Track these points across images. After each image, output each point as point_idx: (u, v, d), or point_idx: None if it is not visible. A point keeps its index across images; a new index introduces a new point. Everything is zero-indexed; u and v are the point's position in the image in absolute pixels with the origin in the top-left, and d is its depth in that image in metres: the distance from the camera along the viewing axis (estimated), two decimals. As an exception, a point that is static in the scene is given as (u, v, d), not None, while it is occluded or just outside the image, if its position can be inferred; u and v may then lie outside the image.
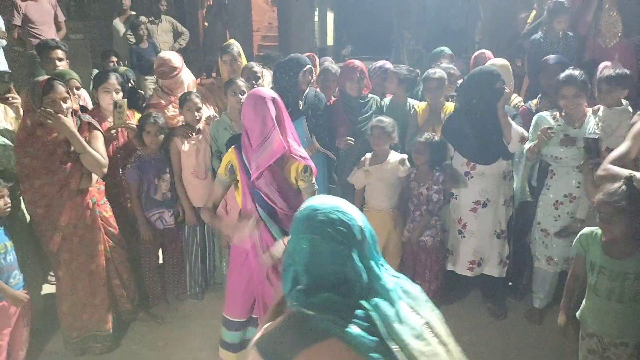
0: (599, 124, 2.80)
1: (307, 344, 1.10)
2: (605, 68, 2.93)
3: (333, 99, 3.62)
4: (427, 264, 3.15)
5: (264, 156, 2.12)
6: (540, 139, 2.78)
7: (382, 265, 1.25)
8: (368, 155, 3.23)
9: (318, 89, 3.53)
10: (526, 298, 3.23)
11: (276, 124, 2.16)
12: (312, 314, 1.13)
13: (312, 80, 3.34)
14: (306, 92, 3.32)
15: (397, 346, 1.12)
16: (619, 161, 2.15)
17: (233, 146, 2.23)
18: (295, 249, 1.22)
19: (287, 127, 2.26)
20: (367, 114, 3.42)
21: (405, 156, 3.19)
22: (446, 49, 4.12)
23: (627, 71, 2.89)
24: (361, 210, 3.35)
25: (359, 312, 1.14)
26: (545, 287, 3.04)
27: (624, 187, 1.91)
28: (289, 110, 3.22)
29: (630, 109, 2.82)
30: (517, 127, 2.89)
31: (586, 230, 2.14)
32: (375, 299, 1.17)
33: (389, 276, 1.25)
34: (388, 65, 3.83)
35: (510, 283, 3.36)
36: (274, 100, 2.20)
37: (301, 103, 3.29)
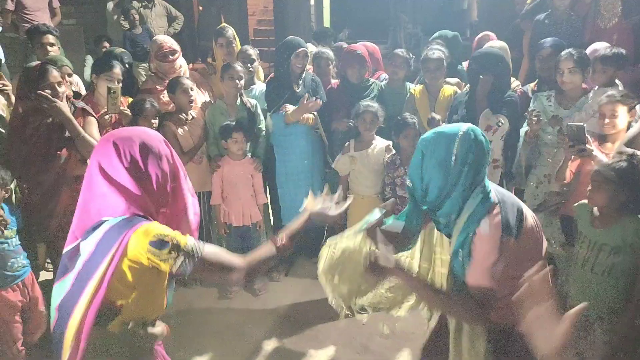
0: (587, 103, 2.79)
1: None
2: (598, 46, 2.92)
3: (333, 81, 3.58)
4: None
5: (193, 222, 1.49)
6: (530, 123, 2.79)
7: None
8: (352, 141, 3.20)
9: (313, 73, 3.50)
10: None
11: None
12: None
13: (306, 63, 3.29)
14: (304, 76, 3.29)
15: None
16: (632, 142, 2.17)
17: (141, 221, 1.31)
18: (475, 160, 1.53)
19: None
20: (368, 98, 3.39)
21: (390, 142, 3.17)
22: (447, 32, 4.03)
23: (623, 51, 2.87)
24: (345, 197, 3.36)
25: None
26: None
27: (622, 162, 1.99)
28: (287, 94, 3.24)
29: (621, 89, 2.78)
30: (488, 116, 2.85)
31: (582, 201, 2.22)
32: None
33: None
34: (360, 50, 3.67)
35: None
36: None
37: (300, 87, 3.25)
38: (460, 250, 1.56)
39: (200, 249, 1.33)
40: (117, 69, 2.95)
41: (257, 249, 1.47)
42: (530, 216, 1.60)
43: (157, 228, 1.29)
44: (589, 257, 2.08)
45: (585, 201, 2.18)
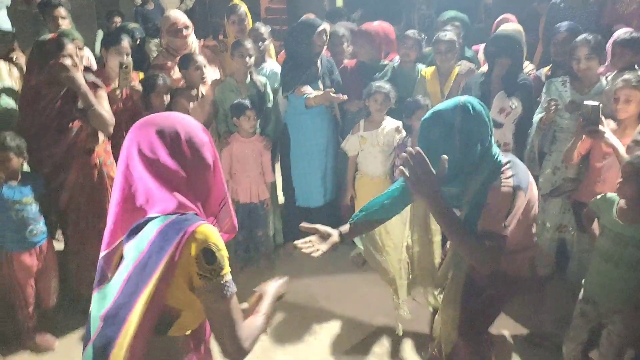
0: (604, 89, 2.75)
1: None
2: (621, 32, 2.85)
3: (346, 61, 3.55)
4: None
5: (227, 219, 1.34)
6: (547, 111, 2.75)
7: None
8: (362, 121, 3.19)
9: (327, 54, 3.47)
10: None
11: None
12: None
13: (326, 41, 3.26)
14: (320, 56, 3.27)
15: None
16: None
17: (200, 220, 1.16)
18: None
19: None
20: (381, 79, 3.37)
21: (400, 123, 3.15)
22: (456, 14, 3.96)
23: None
24: (354, 178, 3.38)
25: None
26: (543, 255, 3.06)
27: None
28: (305, 74, 3.21)
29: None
30: (502, 98, 2.84)
31: (605, 194, 2.15)
32: None
33: None
34: (370, 29, 3.60)
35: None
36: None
37: (319, 66, 3.23)
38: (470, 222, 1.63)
39: (233, 290, 1.14)
40: (126, 43, 2.96)
41: (250, 321, 1.25)
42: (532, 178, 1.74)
43: (216, 235, 1.13)
44: (613, 251, 2.02)
45: (609, 194, 2.12)
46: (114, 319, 1.10)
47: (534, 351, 2.60)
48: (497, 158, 1.65)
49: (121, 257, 1.14)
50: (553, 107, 2.71)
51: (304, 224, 1.77)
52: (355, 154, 3.24)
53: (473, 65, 3.21)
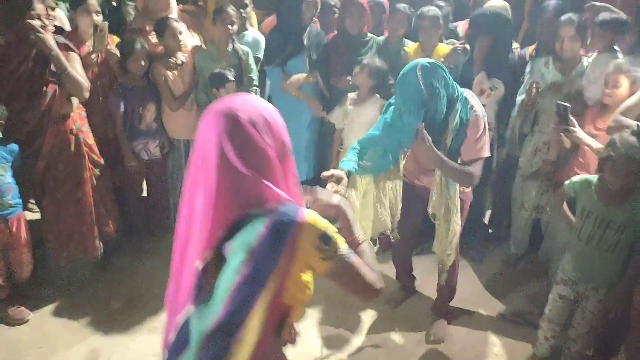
0: (586, 70, 2.75)
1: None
2: (603, 13, 2.84)
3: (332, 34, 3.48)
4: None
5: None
6: (528, 92, 2.75)
7: None
8: (352, 94, 3.15)
9: (318, 27, 3.38)
10: (504, 246, 3.32)
11: None
12: None
13: (316, 13, 3.17)
14: (309, 28, 3.17)
15: None
16: (630, 112, 2.15)
17: (299, 208, 1.11)
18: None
19: None
20: (367, 54, 3.29)
21: (386, 102, 3.12)
22: None
23: (624, 16, 2.77)
24: (338, 151, 3.37)
25: None
26: (519, 233, 3.12)
27: (634, 137, 1.89)
28: (290, 46, 3.13)
29: (620, 56, 2.70)
30: (482, 79, 2.85)
31: (581, 176, 2.17)
32: None
33: None
34: None
35: (490, 231, 3.45)
36: None
37: (304, 39, 3.14)
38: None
39: (352, 253, 1.15)
40: (93, 0, 2.81)
41: (365, 261, 1.23)
42: None
43: (320, 219, 1.08)
44: (594, 233, 2.03)
45: (586, 176, 2.13)
46: (228, 328, 1.01)
47: (507, 327, 2.67)
48: (465, 98, 2.06)
49: (218, 261, 1.06)
50: (534, 90, 2.70)
51: (325, 173, 2.00)
52: (341, 127, 3.21)
53: (458, 44, 3.15)
